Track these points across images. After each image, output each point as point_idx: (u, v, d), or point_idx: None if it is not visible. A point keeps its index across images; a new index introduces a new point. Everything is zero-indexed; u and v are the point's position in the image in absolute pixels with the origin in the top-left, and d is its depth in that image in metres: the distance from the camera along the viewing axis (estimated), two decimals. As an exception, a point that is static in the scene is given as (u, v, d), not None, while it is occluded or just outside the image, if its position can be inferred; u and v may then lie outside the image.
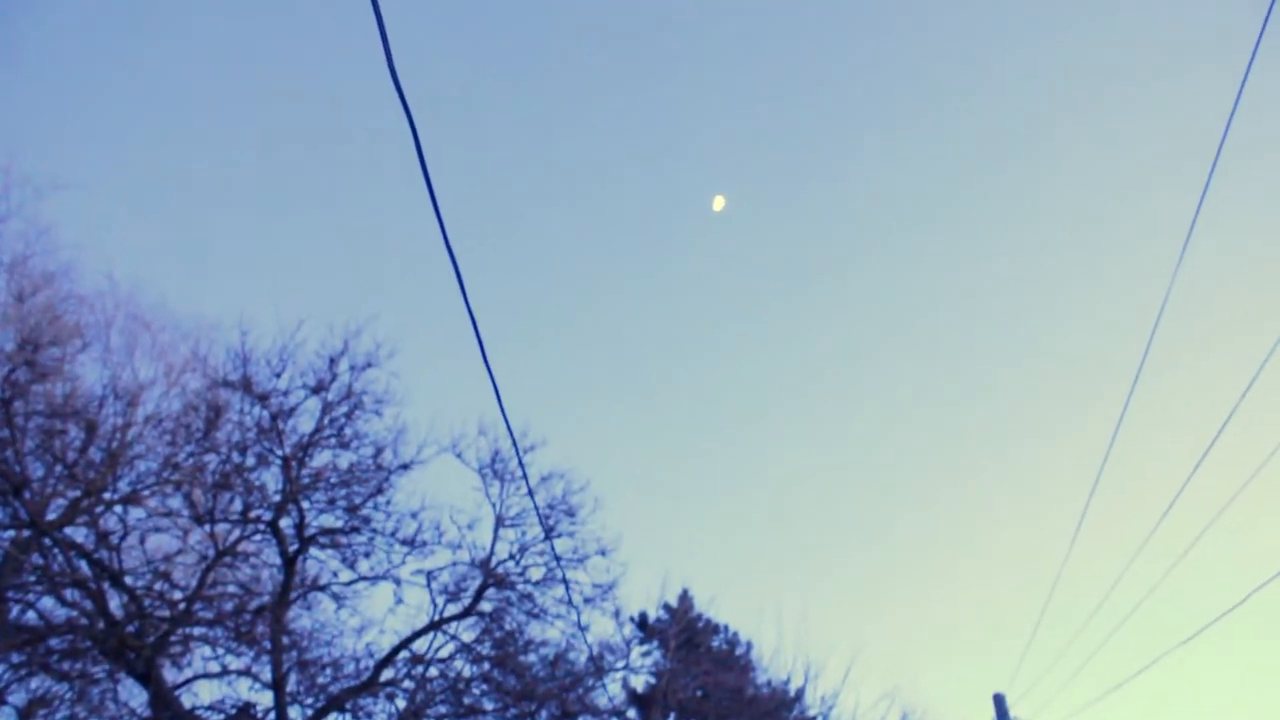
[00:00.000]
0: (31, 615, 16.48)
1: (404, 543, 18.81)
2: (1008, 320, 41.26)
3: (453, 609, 19.23)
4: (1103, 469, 14.28)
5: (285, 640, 17.73)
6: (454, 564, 19.33)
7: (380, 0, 5.31)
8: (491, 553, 19.45)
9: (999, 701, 24.27)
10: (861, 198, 39.01)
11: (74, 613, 16.67)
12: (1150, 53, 33.06)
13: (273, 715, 17.33)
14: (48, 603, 16.61)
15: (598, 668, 21.89)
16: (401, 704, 18.74)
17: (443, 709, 19.33)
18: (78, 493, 16.83)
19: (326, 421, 18.52)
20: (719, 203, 33.53)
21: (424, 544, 18.95)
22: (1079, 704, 22.31)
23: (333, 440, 18.63)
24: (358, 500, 18.65)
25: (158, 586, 17.63)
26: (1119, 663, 19.30)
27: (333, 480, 18.62)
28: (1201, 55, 30.24)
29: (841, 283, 40.49)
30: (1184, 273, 10.01)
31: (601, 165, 37.48)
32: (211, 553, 17.77)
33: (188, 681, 17.84)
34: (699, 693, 27.35)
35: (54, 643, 16.53)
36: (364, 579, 18.87)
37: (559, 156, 36.61)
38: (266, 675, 17.44)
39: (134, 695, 16.97)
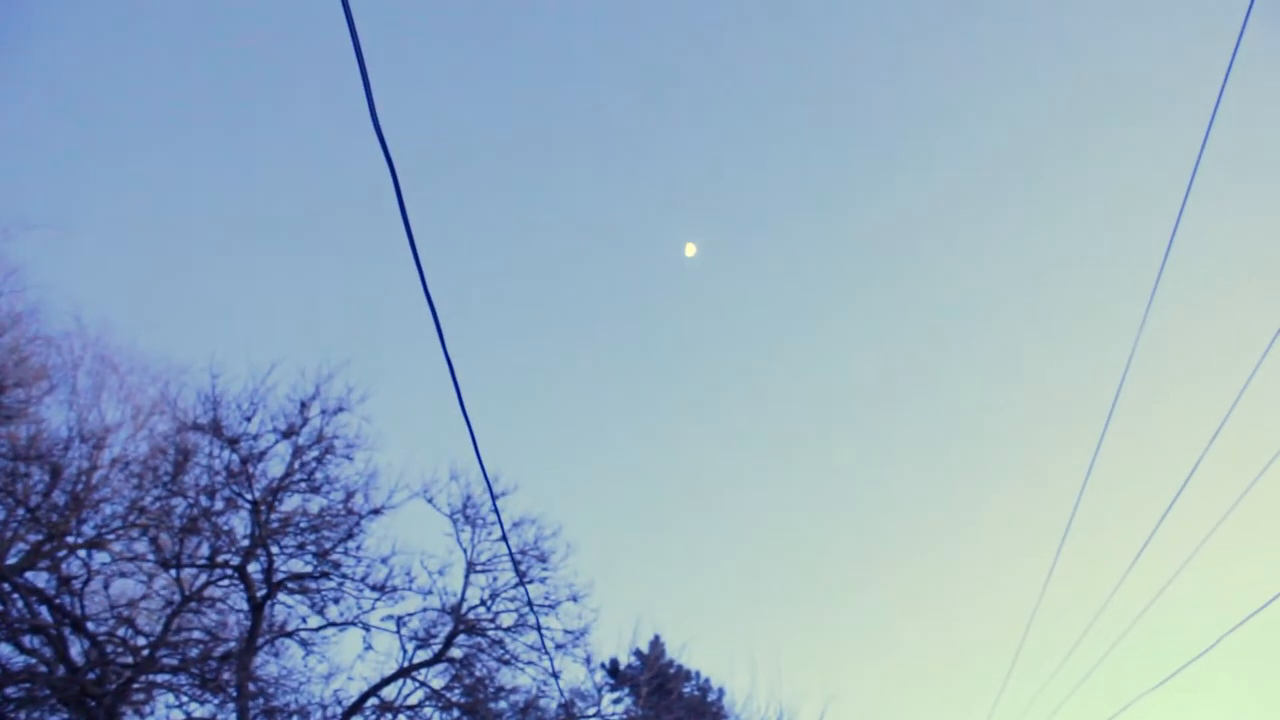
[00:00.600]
0: (-12, 663, 16.11)
1: (374, 588, 18.61)
2: (979, 372, 41.73)
3: (423, 655, 19.02)
4: (1074, 516, 14.44)
5: (251, 687, 17.42)
6: (424, 610, 19.18)
7: (363, 45, 5.39)
8: (462, 598, 19.30)
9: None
10: (836, 246, 39.50)
11: (33, 660, 16.31)
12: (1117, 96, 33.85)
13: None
14: (5, 649, 16.25)
15: (569, 715, 21.66)
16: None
17: (411, 758, 19.02)
18: (40, 536, 16.54)
19: (297, 466, 18.38)
20: (690, 249, 33.81)
21: (394, 589, 18.78)
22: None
23: (303, 485, 18.48)
24: (327, 545, 18.47)
25: (121, 632, 17.30)
26: (1092, 708, 19.36)
27: (302, 525, 18.44)
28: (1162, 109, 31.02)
29: (816, 331, 40.84)
30: (1152, 323, 10.26)
31: (575, 210, 37.72)
32: (177, 598, 17.50)
33: (150, 730, 17.47)
34: (670, 740, 27.06)
35: (10, 691, 16.12)
36: (333, 625, 18.63)
37: (533, 202, 36.81)
38: (231, 724, 17.11)
39: (94, 745, 16.57)
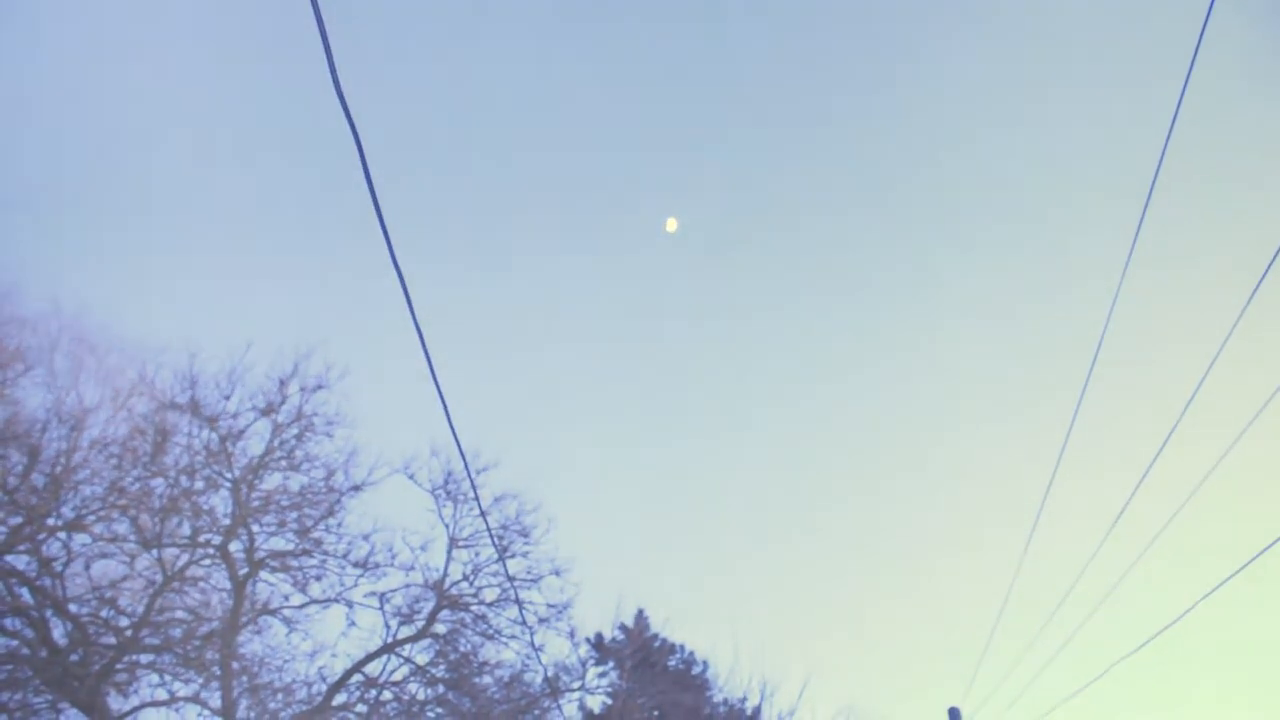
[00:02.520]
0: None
1: (356, 565, 18.69)
2: (959, 342, 41.85)
3: (406, 631, 19.12)
4: (1052, 482, 14.56)
5: (235, 666, 17.46)
6: (407, 586, 19.26)
7: (325, 18, 5.37)
8: (445, 574, 19.38)
9: (954, 715, 24.48)
10: (819, 224, 39.45)
11: (14, 642, 16.30)
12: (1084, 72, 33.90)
13: (222, 743, 17.04)
14: (-13, 632, 16.23)
15: (553, 689, 21.80)
16: (355, 729, 18.54)
17: (397, 733, 19.15)
18: (19, 519, 16.48)
19: (276, 444, 18.39)
20: (671, 224, 33.71)
21: (376, 566, 18.86)
22: (1034, 716, 22.58)
23: (283, 463, 18.49)
24: (309, 523, 18.50)
25: (103, 613, 17.27)
26: (1072, 673, 19.59)
27: (283, 503, 18.46)
28: (1137, 71, 31.09)
29: (796, 304, 40.83)
30: (1125, 294, 10.37)
31: (553, 184, 37.52)
32: (159, 578, 17.48)
33: (134, 710, 17.46)
34: (655, 713, 27.33)
35: (-7, 673, 16.13)
36: (315, 602, 18.69)
37: (508, 172, 36.60)
38: (216, 702, 17.16)
39: (78, 726, 16.59)
